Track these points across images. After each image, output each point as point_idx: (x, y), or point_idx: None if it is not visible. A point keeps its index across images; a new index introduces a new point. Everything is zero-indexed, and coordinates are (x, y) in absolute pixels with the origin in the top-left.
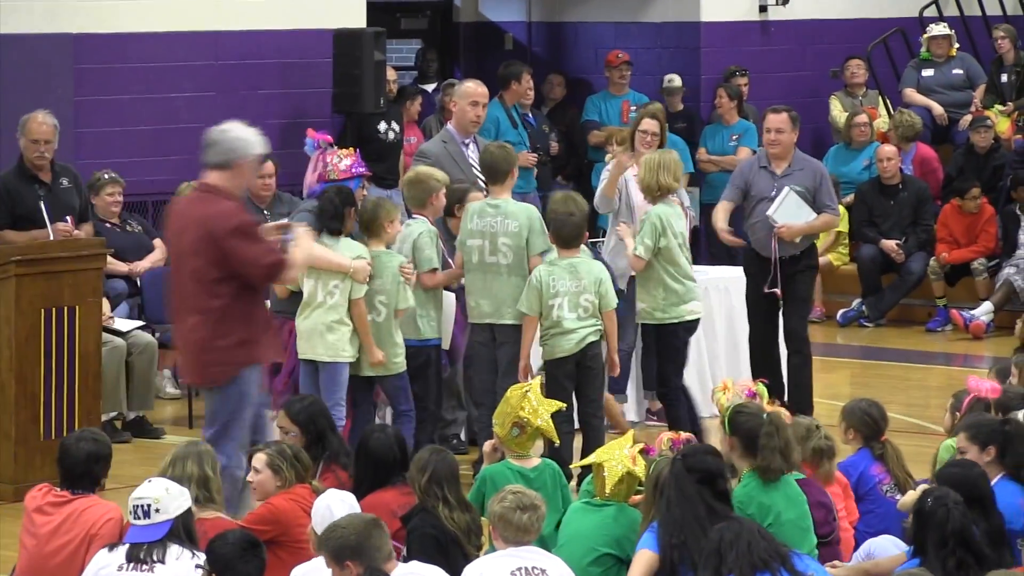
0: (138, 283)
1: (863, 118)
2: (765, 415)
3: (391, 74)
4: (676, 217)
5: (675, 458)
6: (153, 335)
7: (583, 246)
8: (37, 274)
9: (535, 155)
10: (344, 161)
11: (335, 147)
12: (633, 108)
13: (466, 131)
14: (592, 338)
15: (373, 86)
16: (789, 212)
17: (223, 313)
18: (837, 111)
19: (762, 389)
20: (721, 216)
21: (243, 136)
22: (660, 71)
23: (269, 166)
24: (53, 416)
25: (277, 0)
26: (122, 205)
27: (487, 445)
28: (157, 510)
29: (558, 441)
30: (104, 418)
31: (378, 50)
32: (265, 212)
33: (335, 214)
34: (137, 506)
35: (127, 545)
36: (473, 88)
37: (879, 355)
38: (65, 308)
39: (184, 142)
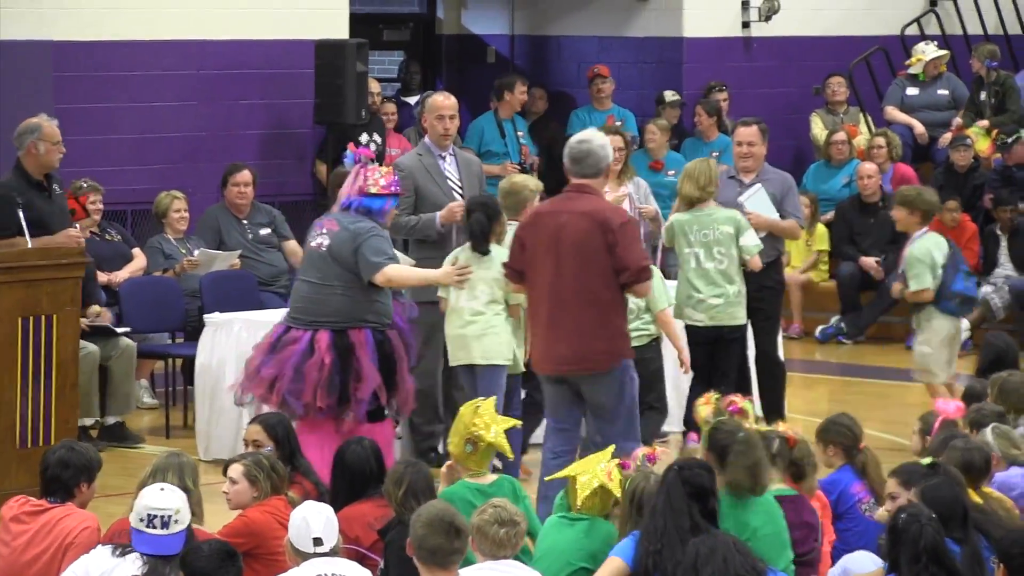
0: (117, 292)
1: (841, 136)
2: (740, 433)
3: (374, 86)
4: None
5: (670, 467)
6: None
7: None
8: (15, 282)
9: (516, 165)
10: (383, 180)
11: (375, 163)
12: (618, 122)
13: (438, 144)
14: (640, 342)
15: (355, 97)
16: (758, 205)
17: (613, 303)
18: (818, 128)
19: (748, 406)
20: None
21: (604, 143)
22: (643, 86)
23: (246, 175)
24: (29, 425)
25: (260, 10)
26: (102, 213)
27: (444, 467)
28: (176, 521)
29: (511, 456)
30: (79, 424)
31: (360, 61)
32: (244, 221)
33: (483, 234)
34: (154, 516)
35: (140, 555)
36: (441, 101)
37: (858, 372)
38: (43, 317)
39: (165, 151)
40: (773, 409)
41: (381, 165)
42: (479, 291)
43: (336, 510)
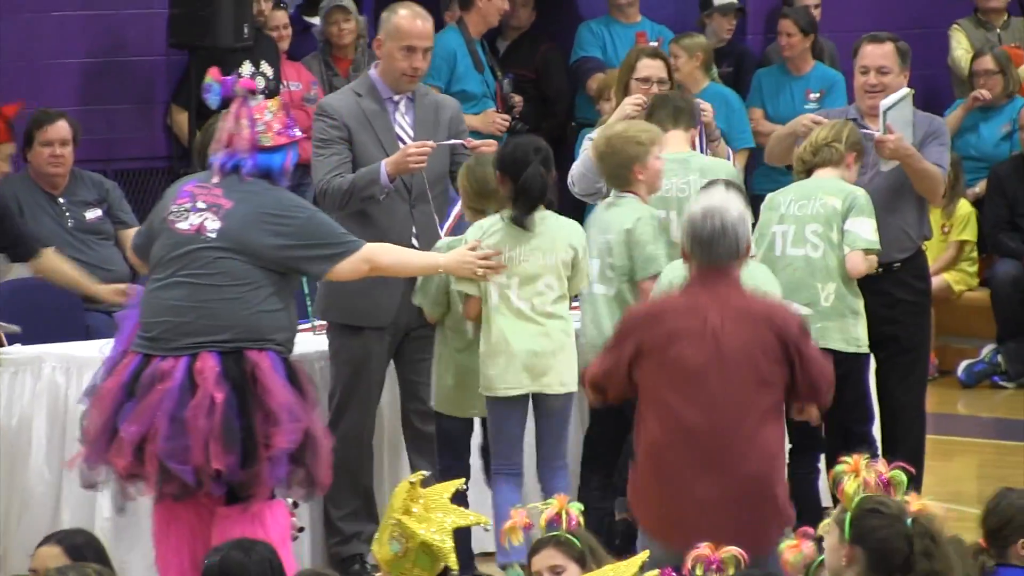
0: None
1: (988, 61)
2: (909, 520)
3: None
4: None
5: None
6: None
7: None
8: None
9: (506, 118)
10: (276, 122)
11: (258, 96)
12: (653, 43)
13: (397, 86)
14: None
15: (232, 8)
16: (902, 121)
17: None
18: (962, 49)
19: (899, 477)
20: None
21: (741, 212)
22: None
23: (62, 128)
24: None
25: None
26: None
27: None
28: None
29: (455, 568)
30: None
31: None
32: (60, 200)
33: (540, 196)
34: None
35: None
36: (409, 23)
37: (1021, 432)
38: None
39: None
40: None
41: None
42: (541, 284)
43: None
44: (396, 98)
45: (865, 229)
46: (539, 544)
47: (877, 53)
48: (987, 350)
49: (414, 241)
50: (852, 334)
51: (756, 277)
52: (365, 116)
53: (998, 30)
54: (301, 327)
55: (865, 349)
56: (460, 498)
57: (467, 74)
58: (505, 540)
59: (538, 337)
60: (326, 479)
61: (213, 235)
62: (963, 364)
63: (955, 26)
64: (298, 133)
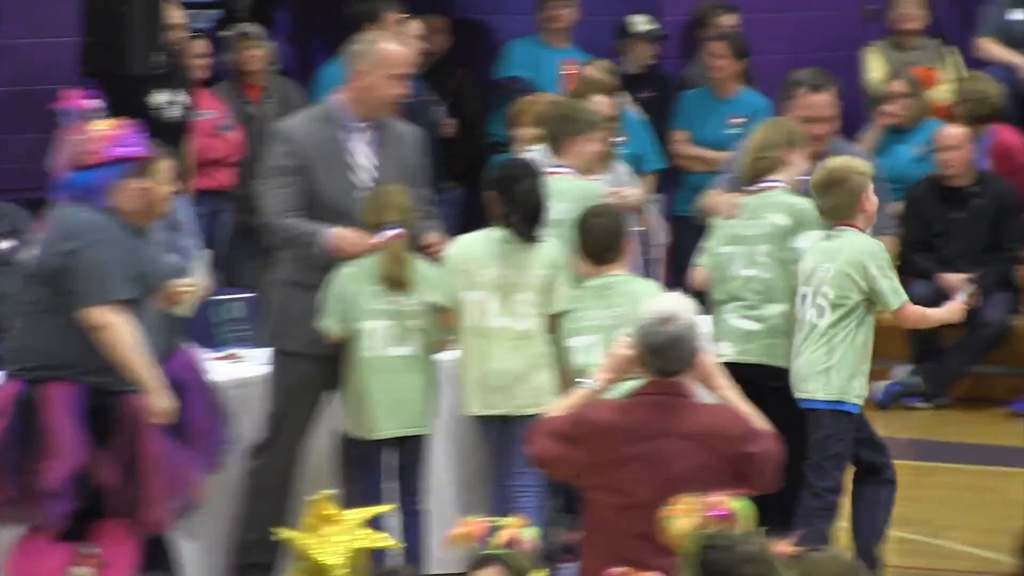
0: None
1: (898, 84)
2: (752, 547)
3: (176, 14)
4: None
5: None
6: None
7: None
8: None
9: None
10: (101, 140)
11: (94, 116)
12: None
13: (375, 113)
14: None
15: (145, 35)
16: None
17: None
18: (877, 71)
19: (745, 508)
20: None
21: (692, 319)
22: (607, 11)
23: None
24: None
25: None
26: None
27: None
28: None
29: None
30: None
31: None
32: None
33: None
34: None
35: None
36: (397, 51)
37: (938, 453)
38: None
39: None
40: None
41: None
42: (520, 302)
43: None
44: (363, 125)
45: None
46: (485, 559)
47: (818, 102)
48: (903, 371)
49: None
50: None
51: (639, 292)
52: (324, 143)
53: (915, 52)
54: (213, 355)
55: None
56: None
57: None
58: (449, 544)
59: (512, 355)
60: (163, 518)
61: (31, 262)
62: (881, 386)
63: (871, 47)
64: (126, 151)
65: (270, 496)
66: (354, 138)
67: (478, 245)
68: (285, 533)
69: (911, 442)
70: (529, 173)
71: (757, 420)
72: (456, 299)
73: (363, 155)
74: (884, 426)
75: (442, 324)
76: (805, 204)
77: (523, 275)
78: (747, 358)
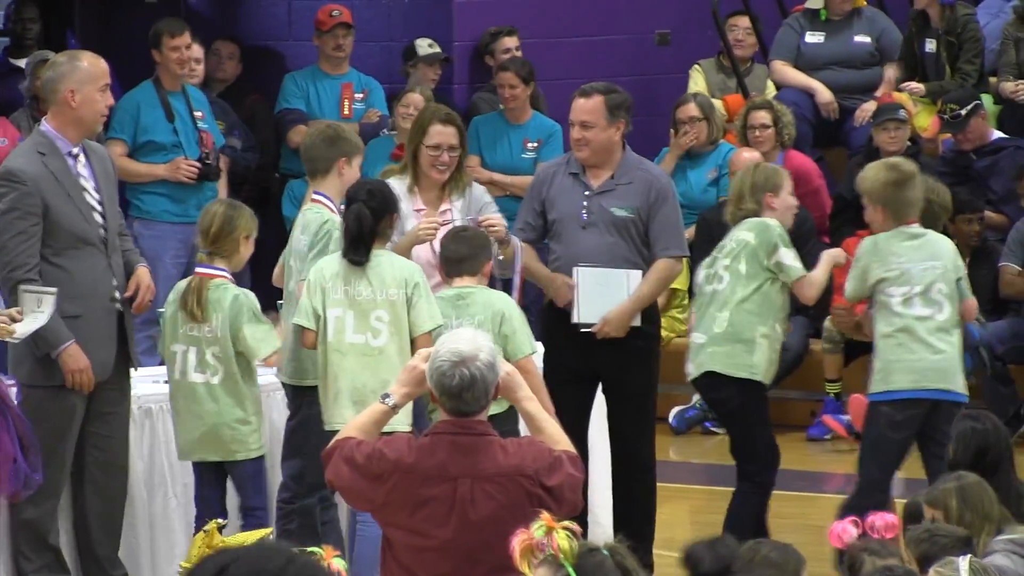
0: None
1: (691, 109)
2: (606, 551)
3: None
4: None
5: None
6: None
7: None
8: None
9: (193, 163)
10: None
11: None
12: (358, 96)
13: (88, 132)
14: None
15: None
16: (596, 300)
17: None
18: (698, 88)
19: (566, 543)
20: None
21: (491, 360)
22: (390, 36)
23: None
24: None
25: None
26: None
27: None
28: None
29: None
30: None
31: None
32: None
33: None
34: None
35: None
36: (98, 62)
37: (731, 477)
38: None
39: None
40: (641, 538)
41: None
42: (375, 319)
43: None
44: (75, 151)
45: (790, 259)
46: None
47: (583, 106)
48: (697, 397)
49: (116, 294)
50: (743, 360)
51: (495, 303)
52: (54, 176)
53: (742, 74)
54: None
55: (757, 376)
56: None
57: (155, 125)
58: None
59: (366, 371)
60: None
61: None
62: (674, 411)
63: (696, 67)
64: None
65: (39, 528)
66: (71, 164)
67: (333, 265)
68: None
69: (706, 467)
70: (357, 198)
71: (558, 439)
72: (312, 319)
73: (83, 178)
74: (679, 451)
75: (305, 343)
76: (770, 223)
77: (376, 293)
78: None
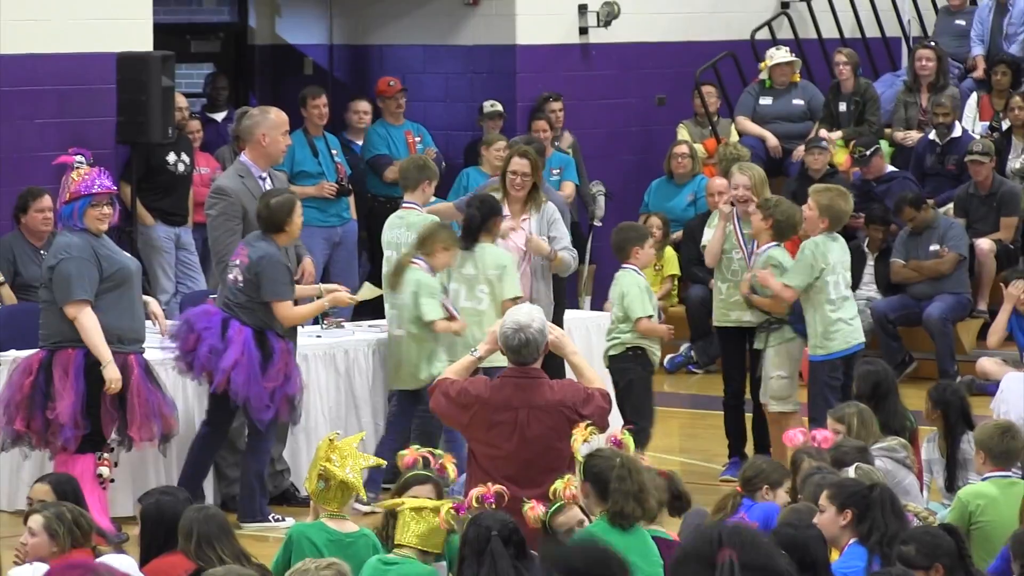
0: None
1: (682, 148)
2: (618, 458)
3: (181, 101)
4: None
5: (482, 529)
6: None
7: None
8: None
9: (333, 185)
10: (76, 182)
11: (80, 166)
12: (416, 139)
13: (274, 162)
14: (616, 351)
15: (161, 114)
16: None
17: None
18: (684, 137)
19: (628, 439)
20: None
21: (542, 326)
22: (473, 98)
23: (47, 200)
24: None
25: (57, 22)
26: None
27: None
28: None
29: (365, 498)
30: None
31: (166, 75)
32: (43, 252)
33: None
34: None
35: None
36: (283, 117)
37: (709, 404)
38: None
39: None
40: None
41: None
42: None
43: (146, 561)
44: (264, 175)
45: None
46: (419, 479)
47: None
48: (684, 347)
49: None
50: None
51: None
52: (251, 192)
53: (711, 127)
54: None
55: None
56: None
57: (305, 160)
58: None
59: (474, 326)
60: (145, 437)
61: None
62: (668, 357)
63: (681, 124)
64: (91, 188)
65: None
66: (261, 185)
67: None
68: (317, 463)
69: (689, 396)
70: (472, 205)
71: (593, 380)
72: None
73: None
74: (671, 386)
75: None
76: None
77: (478, 272)
78: None
